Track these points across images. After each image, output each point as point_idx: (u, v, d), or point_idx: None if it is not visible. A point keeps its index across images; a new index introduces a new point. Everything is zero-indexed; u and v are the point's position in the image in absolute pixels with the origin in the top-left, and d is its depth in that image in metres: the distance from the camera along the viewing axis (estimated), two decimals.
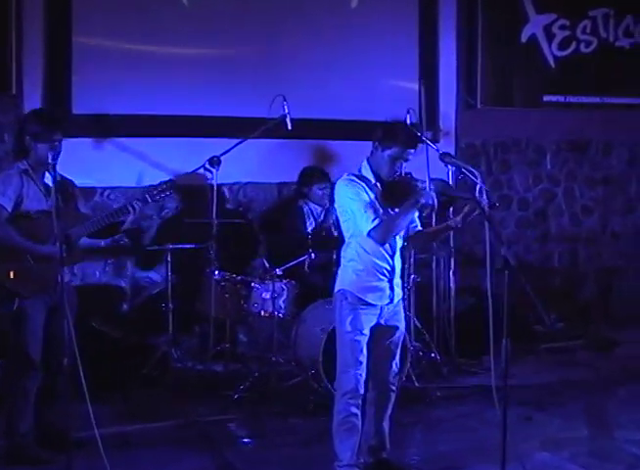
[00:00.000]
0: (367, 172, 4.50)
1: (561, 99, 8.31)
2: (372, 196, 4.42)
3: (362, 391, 4.48)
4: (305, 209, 6.93)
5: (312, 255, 6.24)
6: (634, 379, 6.51)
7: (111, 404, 5.67)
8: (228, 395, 5.96)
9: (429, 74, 7.89)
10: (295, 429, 5.53)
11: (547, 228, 8.63)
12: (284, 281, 6.19)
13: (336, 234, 6.90)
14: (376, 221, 4.31)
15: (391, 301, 4.54)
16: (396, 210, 4.44)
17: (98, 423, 4.18)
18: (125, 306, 7.01)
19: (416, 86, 7.81)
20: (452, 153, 8.03)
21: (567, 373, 6.66)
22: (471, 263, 7.43)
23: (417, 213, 4.57)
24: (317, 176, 6.94)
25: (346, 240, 4.54)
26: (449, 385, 6.43)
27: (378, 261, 4.47)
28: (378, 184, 4.47)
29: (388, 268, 4.51)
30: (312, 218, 6.92)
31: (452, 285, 6.86)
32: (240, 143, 6.26)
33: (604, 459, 4.95)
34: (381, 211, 4.40)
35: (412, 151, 4.42)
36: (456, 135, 8.07)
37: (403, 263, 4.64)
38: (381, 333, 4.55)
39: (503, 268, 3.72)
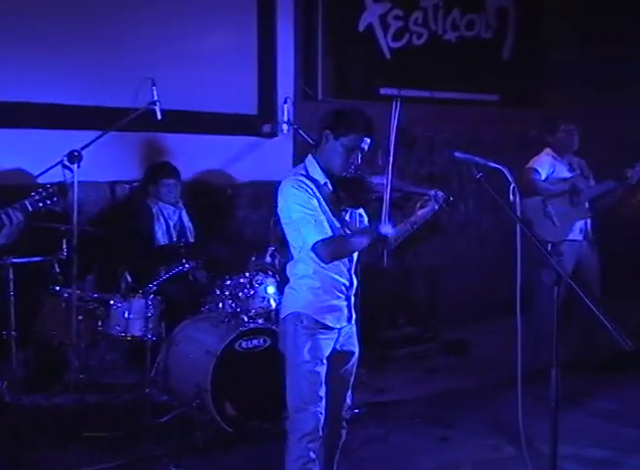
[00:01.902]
0: (314, 170, 3.81)
1: (395, 92, 7.93)
2: (321, 199, 3.75)
3: (322, 432, 3.80)
4: (155, 209, 6.06)
5: (187, 265, 5.40)
6: (516, 383, 6.25)
7: None
8: (95, 436, 4.96)
9: (267, 64, 7.24)
10: None
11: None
12: (150, 297, 5.29)
13: (192, 240, 6.14)
14: (325, 235, 3.64)
15: (349, 322, 3.91)
16: (349, 210, 3.88)
17: None
18: None
19: (255, 75, 7.20)
20: (290, 147, 7.52)
21: (446, 382, 6.29)
22: None
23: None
24: (165, 171, 6.12)
25: (296, 253, 3.83)
26: None
27: (336, 277, 3.83)
28: (328, 184, 3.80)
29: (347, 284, 3.88)
30: (163, 219, 6.07)
31: None
32: (101, 136, 5.29)
33: None
34: (334, 220, 3.76)
35: (368, 139, 3.80)
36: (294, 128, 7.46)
37: (358, 279, 4.00)
38: (336, 360, 3.91)
39: (556, 282, 3.18)
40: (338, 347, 3.89)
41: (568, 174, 6.35)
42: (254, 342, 5.18)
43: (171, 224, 6.07)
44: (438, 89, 8.28)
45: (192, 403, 5.04)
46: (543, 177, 6.29)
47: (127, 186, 6.51)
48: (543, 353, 6.51)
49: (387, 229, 3.70)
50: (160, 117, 5.47)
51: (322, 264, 3.75)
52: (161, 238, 6.02)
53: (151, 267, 5.54)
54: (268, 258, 5.66)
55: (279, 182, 7.84)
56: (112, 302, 5.30)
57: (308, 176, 3.78)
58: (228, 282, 5.37)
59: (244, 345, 5.15)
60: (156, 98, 5.41)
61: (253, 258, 5.74)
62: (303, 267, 3.80)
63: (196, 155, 6.85)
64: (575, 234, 6.33)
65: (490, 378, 6.46)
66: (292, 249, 3.85)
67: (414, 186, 4.02)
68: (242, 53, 7.12)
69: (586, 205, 6.30)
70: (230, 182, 7.10)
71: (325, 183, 3.79)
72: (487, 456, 4.91)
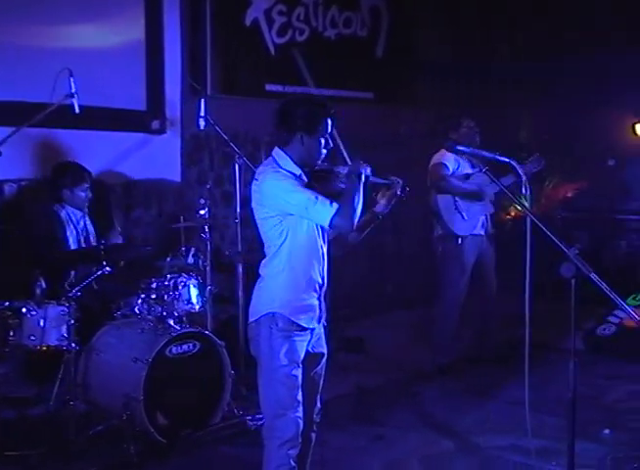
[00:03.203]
0: (287, 163, 3.74)
1: (280, 89, 7.85)
2: None
3: (300, 438, 3.68)
4: (63, 214, 5.67)
5: (107, 269, 5.06)
6: (424, 378, 6.32)
7: None
8: (19, 456, 4.58)
9: (154, 59, 6.94)
10: None
11: None
12: (69, 304, 4.91)
13: (95, 243, 5.78)
14: (335, 205, 3.54)
15: (319, 322, 3.81)
16: None
17: None
18: None
19: (143, 70, 6.90)
20: (179, 144, 7.27)
21: (357, 380, 6.22)
22: (222, 267, 6.68)
23: None
24: (82, 177, 5.73)
25: (273, 250, 3.70)
26: None
27: (312, 274, 3.73)
28: (303, 176, 3.72)
29: (320, 282, 3.79)
30: (72, 225, 5.69)
31: None
32: (16, 132, 4.90)
33: None
34: None
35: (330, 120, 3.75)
36: (182, 125, 7.22)
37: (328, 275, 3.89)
38: (308, 363, 3.83)
39: (574, 276, 3.15)
40: (309, 348, 3.80)
41: (470, 170, 6.46)
42: (184, 347, 4.97)
43: (79, 229, 5.70)
44: (319, 86, 8.22)
45: (121, 415, 4.75)
46: (450, 173, 6.39)
47: (15, 185, 6.09)
48: (447, 349, 6.64)
49: (359, 164, 3.68)
50: (77, 110, 5.12)
51: (301, 260, 3.66)
52: (73, 245, 5.64)
53: (66, 272, 5.17)
54: (190, 259, 5.42)
55: (168, 181, 7.58)
56: (24, 309, 4.90)
57: (283, 169, 3.65)
58: (154, 285, 5.10)
59: (174, 350, 4.93)
60: (74, 90, 5.04)
61: (168, 259, 5.48)
62: (278, 264, 3.69)
63: (85, 151, 6.46)
64: (478, 229, 6.47)
65: (400, 374, 6.51)
66: (268, 246, 3.72)
67: (375, 176, 3.93)
68: (130, 47, 6.79)
69: (489, 200, 6.44)
70: (120, 180, 6.78)
71: (300, 175, 3.69)
72: (428, 452, 4.89)
